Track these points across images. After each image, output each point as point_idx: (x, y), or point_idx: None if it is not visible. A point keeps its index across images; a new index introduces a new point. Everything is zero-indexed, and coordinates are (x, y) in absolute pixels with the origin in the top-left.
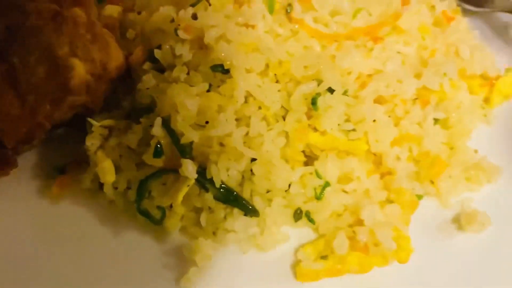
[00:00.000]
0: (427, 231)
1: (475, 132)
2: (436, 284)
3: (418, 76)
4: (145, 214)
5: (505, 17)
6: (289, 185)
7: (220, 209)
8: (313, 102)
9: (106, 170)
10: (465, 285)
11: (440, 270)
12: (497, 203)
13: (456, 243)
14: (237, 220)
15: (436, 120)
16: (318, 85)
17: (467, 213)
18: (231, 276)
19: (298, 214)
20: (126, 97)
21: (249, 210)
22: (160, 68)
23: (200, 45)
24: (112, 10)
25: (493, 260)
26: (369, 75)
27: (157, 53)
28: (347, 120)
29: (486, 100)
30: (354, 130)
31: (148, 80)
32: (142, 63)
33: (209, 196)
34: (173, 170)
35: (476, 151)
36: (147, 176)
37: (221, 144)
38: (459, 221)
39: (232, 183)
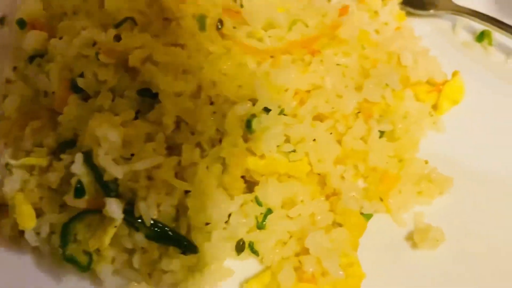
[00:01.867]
0: (379, 252)
1: (425, 141)
2: None
3: (359, 88)
4: (71, 260)
5: (450, 19)
6: (229, 216)
7: (154, 249)
8: (248, 124)
9: (25, 215)
10: None
11: None
12: (450, 216)
13: (410, 262)
14: (174, 259)
15: (381, 133)
16: (254, 105)
17: (420, 229)
18: None
19: (240, 246)
20: (49, 132)
21: (187, 247)
22: (86, 98)
23: (126, 68)
24: (36, 37)
25: (450, 277)
26: (308, 91)
27: (80, 82)
28: (287, 141)
29: (435, 107)
30: (294, 151)
31: (70, 111)
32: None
33: (140, 236)
34: (97, 210)
35: (426, 162)
36: (70, 218)
37: (150, 178)
38: (412, 238)
39: (166, 219)
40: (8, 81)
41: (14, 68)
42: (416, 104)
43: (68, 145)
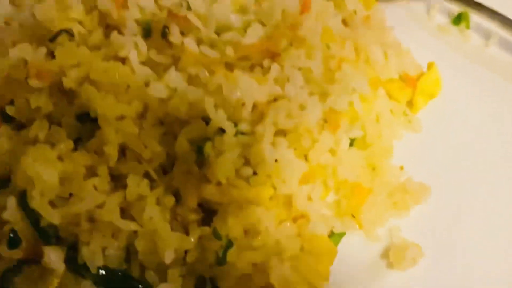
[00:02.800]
0: (353, 276)
1: (400, 144)
2: None
3: (324, 95)
4: None
5: (424, 4)
6: (186, 252)
7: None
8: (199, 150)
9: None
10: None
11: None
12: (428, 228)
13: (387, 285)
14: None
15: (351, 140)
16: (207, 123)
17: (396, 246)
18: None
19: (201, 284)
20: None
21: None
22: (20, 126)
23: (61, 91)
24: None
25: None
26: (268, 102)
27: (9, 110)
28: (246, 164)
29: (410, 104)
30: (255, 173)
31: (1, 144)
32: None
33: (87, 284)
34: (36, 260)
35: (401, 168)
36: (4, 271)
37: (92, 220)
38: (387, 257)
39: (114, 263)
40: None
41: None
42: (388, 104)
43: (0, 184)
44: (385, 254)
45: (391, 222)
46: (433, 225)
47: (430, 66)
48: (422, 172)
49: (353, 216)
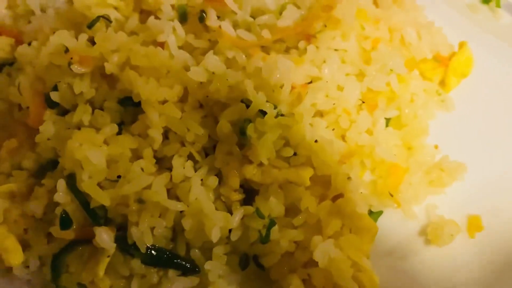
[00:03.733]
0: (391, 251)
1: (434, 123)
2: None
3: (361, 76)
4: None
5: None
6: (230, 231)
7: (153, 273)
8: (242, 131)
9: (11, 251)
10: None
11: None
12: (465, 204)
13: (425, 260)
14: (175, 282)
15: (387, 120)
16: (247, 106)
17: (433, 223)
18: None
19: (244, 261)
20: (28, 153)
21: (187, 268)
22: (64, 111)
23: (103, 76)
24: (1, 44)
25: (468, 272)
26: (305, 85)
27: (54, 96)
28: (286, 144)
29: (442, 84)
30: (295, 154)
31: (47, 129)
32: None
33: (136, 262)
34: (87, 240)
35: (436, 147)
36: (59, 250)
37: (140, 201)
38: (425, 234)
39: (162, 242)
40: None
41: None
42: (422, 84)
43: (49, 167)
44: (422, 232)
45: (427, 200)
46: (468, 202)
47: (461, 45)
48: (457, 150)
49: (391, 195)
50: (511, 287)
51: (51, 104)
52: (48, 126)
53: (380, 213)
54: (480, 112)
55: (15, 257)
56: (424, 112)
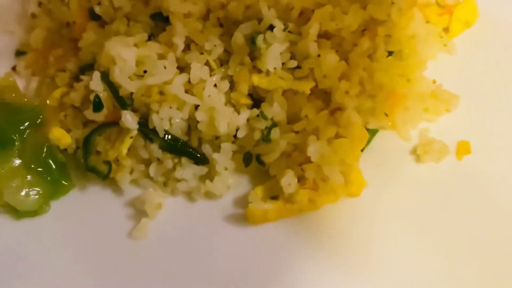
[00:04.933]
0: (382, 164)
1: (435, 63)
2: (393, 219)
3: (364, 7)
4: (93, 170)
5: None
6: (237, 130)
7: (168, 159)
8: (252, 40)
9: (61, 137)
10: (423, 214)
11: (398, 203)
12: (455, 132)
13: (413, 174)
14: (187, 169)
15: (389, 53)
16: (259, 23)
17: (424, 143)
18: (184, 223)
19: (248, 158)
20: (71, 58)
21: (198, 158)
22: (104, 25)
23: None
24: None
25: (452, 190)
26: (312, 10)
27: (97, 9)
28: (292, 58)
29: (446, 30)
30: (299, 67)
31: (89, 36)
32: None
33: (155, 147)
34: (114, 123)
35: (434, 81)
36: (90, 131)
37: (162, 93)
38: (416, 153)
39: (178, 132)
40: (33, 15)
41: (40, 4)
42: (425, 26)
43: (87, 68)
44: (413, 151)
45: (421, 125)
46: (459, 130)
47: None
48: (454, 86)
49: (386, 115)
50: (491, 206)
51: (94, 16)
52: (90, 34)
53: (375, 131)
54: (481, 56)
55: (65, 141)
56: (424, 49)
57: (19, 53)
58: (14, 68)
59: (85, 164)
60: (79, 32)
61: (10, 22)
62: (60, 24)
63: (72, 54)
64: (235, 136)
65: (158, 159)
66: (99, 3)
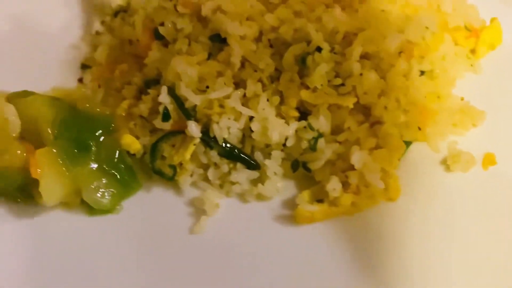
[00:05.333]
0: (416, 174)
1: (462, 82)
2: (427, 222)
3: (401, 32)
4: (159, 172)
5: None
6: (286, 139)
7: (225, 164)
8: (303, 60)
9: (131, 143)
10: (453, 219)
11: (431, 208)
12: (482, 145)
13: (444, 183)
14: (241, 173)
15: (422, 73)
16: (308, 45)
17: (452, 154)
18: (237, 221)
19: (295, 165)
20: (136, 73)
21: (251, 164)
22: (166, 44)
23: (199, 18)
24: None
25: (479, 197)
26: (355, 34)
27: (161, 29)
28: (337, 76)
29: (473, 51)
30: (343, 85)
31: (154, 54)
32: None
33: (214, 153)
34: (180, 131)
35: (462, 98)
36: (158, 139)
37: (221, 106)
38: (446, 163)
39: (234, 140)
40: (97, 33)
41: (102, 22)
42: (454, 47)
43: (152, 82)
44: (443, 162)
45: (450, 138)
46: (485, 145)
47: (493, 20)
48: (480, 103)
49: (419, 128)
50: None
51: (158, 36)
52: (155, 52)
53: (409, 143)
54: (506, 76)
55: (135, 146)
56: (453, 68)
57: (84, 67)
58: (80, 80)
59: (152, 168)
60: (143, 50)
61: (75, 38)
62: (122, 41)
63: (136, 69)
64: (284, 144)
65: (215, 164)
66: (162, 24)
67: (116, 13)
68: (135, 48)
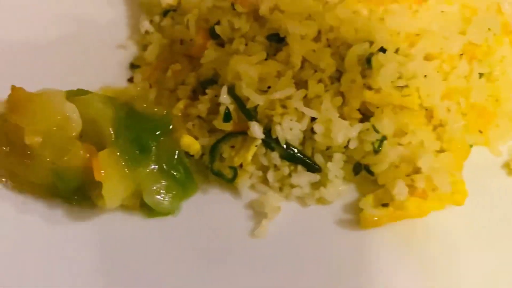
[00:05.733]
0: (478, 177)
1: None
2: (490, 225)
3: (462, 33)
4: (219, 174)
5: None
6: (348, 142)
7: (285, 166)
8: (368, 60)
9: (190, 144)
10: None
11: (494, 212)
12: None
13: (506, 185)
14: (302, 176)
15: (480, 75)
16: (370, 46)
17: None
18: (298, 225)
19: (357, 168)
20: (190, 73)
21: (312, 167)
22: (220, 43)
23: (255, 17)
24: None
25: None
26: (416, 35)
27: (217, 28)
28: (400, 77)
29: None
30: (406, 86)
31: (210, 54)
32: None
33: (274, 155)
34: (242, 132)
35: None
36: (218, 140)
37: (283, 107)
38: (508, 167)
39: (295, 142)
40: (147, 32)
41: (151, 22)
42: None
43: (208, 82)
44: (506, 165)
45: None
46: None
47: None
48: None
49: (480, 131)
50: None
51: (213, 36)
52: (211, 51)
53: (470, 146)
54: None
55: (194, 147)
56: (511, 71)
57: (133, 66)
58: (130, 80)
59: (211, 169)
60: (197, 49)
61: (122, 38)
62: (172, 41)
63: (189, 69)
64: (345, 147)
65: (275, 166)
66: (217, 23)
67: (165, 13)
68: (186, 48)
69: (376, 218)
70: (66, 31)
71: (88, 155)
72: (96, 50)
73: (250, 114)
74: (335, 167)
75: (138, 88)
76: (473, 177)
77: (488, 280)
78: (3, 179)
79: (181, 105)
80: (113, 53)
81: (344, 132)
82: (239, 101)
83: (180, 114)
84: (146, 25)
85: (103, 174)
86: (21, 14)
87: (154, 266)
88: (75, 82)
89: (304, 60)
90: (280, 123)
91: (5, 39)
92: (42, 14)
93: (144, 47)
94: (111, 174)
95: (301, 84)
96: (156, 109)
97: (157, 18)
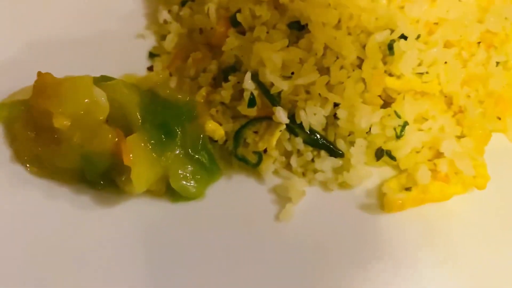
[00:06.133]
0: (498, 163)
1: None
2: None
3: (480, 21)
4: (243, 159)
5: None
6: (370, 127)
7: (308, 152)
8: (390, 47)
9: (215, 129)
10: None
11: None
12: None
13: None
14: (324, 161)
15: (497, 63)
16: (391, 33)
17: None
18: (321, 210)
19: (379, 153)
20: (211, 61)
21: (335, 152)
22: (240, 31)
23: (276, 5)
24: None
25: None
26: (435, 23)
27: (239, 16)
28: (420, 64)
29: None
30: (427, 72)
31: (232, 41)
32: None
33: (298, 140)
34: (267, 117)
35: None
36: (242, 125)
37: (307, 92)
38: None
39: (318, 128)
40: (165, 22)
41: (169, 11)
42: None
43: (230, 69)
44: None
45: None
46: None
47: None
48: None
49: (499, 118)
50: None
51: (234, 23)
52: (232, 39)
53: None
54: None
55: (219, 133)
56: None
57: (152, 55)
58: (150, 68)
59: (235, 154)
60: (219, 38)
61: (140, 28)
62: (190, 30)
63: (209, 57)
64: (367, 132)
65: (299, 151)
66: (238, 11)
67: (183, 3)
68: (206, 36)
69: (400, 202)
70: (86, 21)
71: (116, 139)
72: (115, 40)
73: (274, 99)
74: (357, 152)
75: (160, 76)
76: (492, 162)
77: (510, 263)
78: (27, 165)
79: (203, 92)
80: (132, 43)
81: (367, 117)
82: (263, 87)
83: (202, 101)
84: (164, 15)
85: (131, 158)
86: (44, 8)
87: (181, 251)
88: (96, 70)
89: (325, 47)
90: (304, 109)
91: (29, 31)
92: (64, 6)
93: (162, 37)
94: (139, 158)
95: (323, 70)
96: (179, 96)
97: (175, 8)
